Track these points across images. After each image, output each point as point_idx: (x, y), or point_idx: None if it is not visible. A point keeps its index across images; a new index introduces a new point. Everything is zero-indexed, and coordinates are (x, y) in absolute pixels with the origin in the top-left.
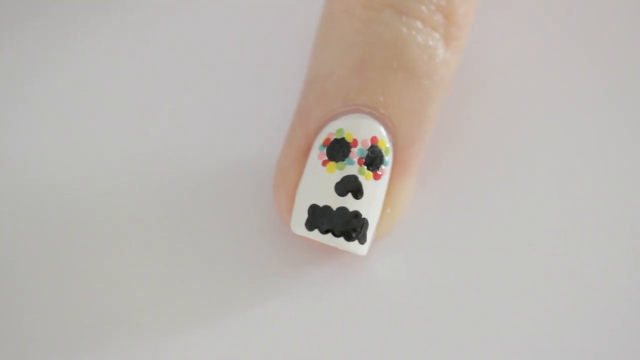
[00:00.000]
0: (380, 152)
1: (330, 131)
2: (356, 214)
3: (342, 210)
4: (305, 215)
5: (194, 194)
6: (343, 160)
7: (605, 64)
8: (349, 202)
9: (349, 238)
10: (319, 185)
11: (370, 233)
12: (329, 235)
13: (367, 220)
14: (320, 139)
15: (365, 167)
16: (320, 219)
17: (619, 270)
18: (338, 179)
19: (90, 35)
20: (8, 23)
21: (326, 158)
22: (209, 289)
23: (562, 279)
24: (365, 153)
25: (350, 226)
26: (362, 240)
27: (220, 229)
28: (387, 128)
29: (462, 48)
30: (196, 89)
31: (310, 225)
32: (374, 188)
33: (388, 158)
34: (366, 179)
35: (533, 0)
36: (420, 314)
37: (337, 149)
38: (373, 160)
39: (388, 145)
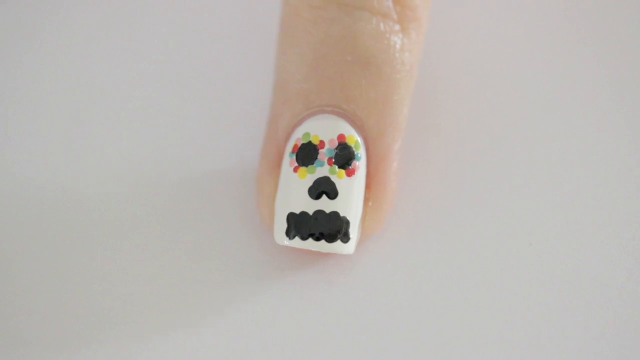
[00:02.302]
0: (349, 148)
1: (297, 137)
2: (334, 215)
3: (319, 213)
4: (285, 225)
5: (188, 198)
6: (312, 163)
7: (604, 61)
8: (325, 204)
9: (331, 239)
10: (293, 192)
11: (353, 230)
12: (310, 240)
13: (347, 219)
14: (290, 146)
15: (336, 166)
16: (299, 225)
17: (619, 270)
18: (310, 183)
19: (84, 38)
20: (7, 25)
21: (296, 164)
22: (201, 290)
23: (562, 279)
24: (333, 152)
25: (330, 228)
26: (345, 239)
27: (213, 231)
28: (353, 123)
29: (421, 28)
30: (191, 92)
31: (290, 233)
32: (349, 185)
33: (360, 152)
34: (339, 178)
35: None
36: (412, 315)
37: (305, 153)
38: (343, 157)
39: (357, 139)
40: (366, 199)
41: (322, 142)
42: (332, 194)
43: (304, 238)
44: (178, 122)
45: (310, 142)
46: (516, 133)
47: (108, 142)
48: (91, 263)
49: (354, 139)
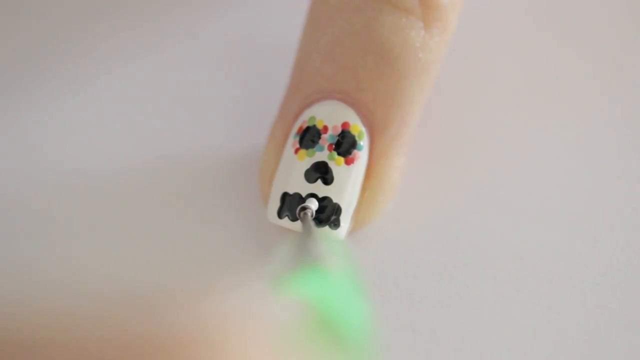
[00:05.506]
0: (352, 137)
1: (304, 119)
2: (325, 199)
3: (312, 196)
4: (279, 204)
5: (190, 185)
6: (313, 147)
7: (600, 58)
8: (319, 189)
9: (318, 223)
10: (290, 173)
11: (345, 218)
12: (299, 222)
13: (339, 206)
14: (295, 128)
15: (336, 153)
16: (289, 206)
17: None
18: (308, 166)
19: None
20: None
21: (298, 146)
22: (203, 273)
23: (562, 276)
24: (335, 139)
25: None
26: (334, 226)
27: (214, 217)
28: (360, 112)
29: (446, 29)
30: (194, 80)
31: (280, 213)
32: (347, 173)
33: (363, 142)
34: (337, 165)
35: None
36: (404, 310)
37: (308, 136)
38: (343, 145)
39: (362, 129)
40: (363, 190)
41: (325, 128)
42: (328, 179)
43: (293, 219)
44: (182, 108)
45: (314, 126)
46: (516, 129)
47: (112, 125)
48: (99, 249)
49: (359, 128)
